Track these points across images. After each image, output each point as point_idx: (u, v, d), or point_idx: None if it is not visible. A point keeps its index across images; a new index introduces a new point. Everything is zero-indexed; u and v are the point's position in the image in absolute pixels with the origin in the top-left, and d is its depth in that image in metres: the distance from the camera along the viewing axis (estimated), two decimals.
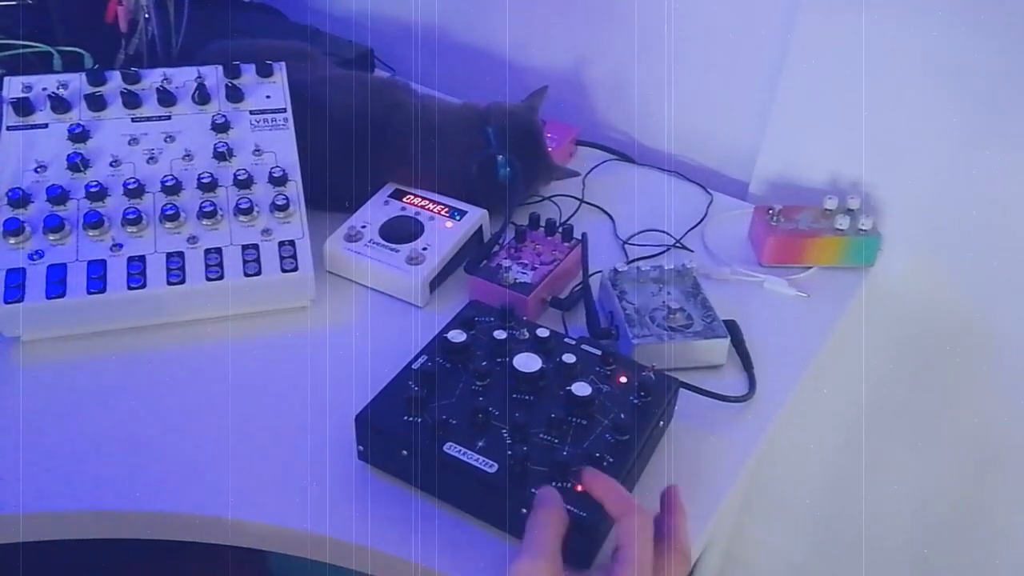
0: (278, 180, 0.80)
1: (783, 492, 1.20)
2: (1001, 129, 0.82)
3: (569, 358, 0.66)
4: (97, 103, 0.82)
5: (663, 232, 0.93)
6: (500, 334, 0.68)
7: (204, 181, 0.79)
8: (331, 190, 0.87)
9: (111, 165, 0.80)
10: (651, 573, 0.51)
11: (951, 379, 0.97)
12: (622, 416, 0.63)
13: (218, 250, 0.76)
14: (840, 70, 0.88)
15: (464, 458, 0.59)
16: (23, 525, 0.61)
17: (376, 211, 0.87)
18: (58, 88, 0.82)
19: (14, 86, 0.82)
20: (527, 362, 0.65)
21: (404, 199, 0.88)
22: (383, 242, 0.83)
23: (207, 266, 0.75)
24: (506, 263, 0.81)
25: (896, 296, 0.93)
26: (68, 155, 0.79)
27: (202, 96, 0.84)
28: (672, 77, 1.03)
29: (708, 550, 1.20)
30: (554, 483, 0.57)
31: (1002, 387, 0.94)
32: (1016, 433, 0.95)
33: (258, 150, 0.83)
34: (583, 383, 0.63)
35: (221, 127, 0.83)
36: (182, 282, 0.74)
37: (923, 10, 0.81)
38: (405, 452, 0.61)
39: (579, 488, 0.57)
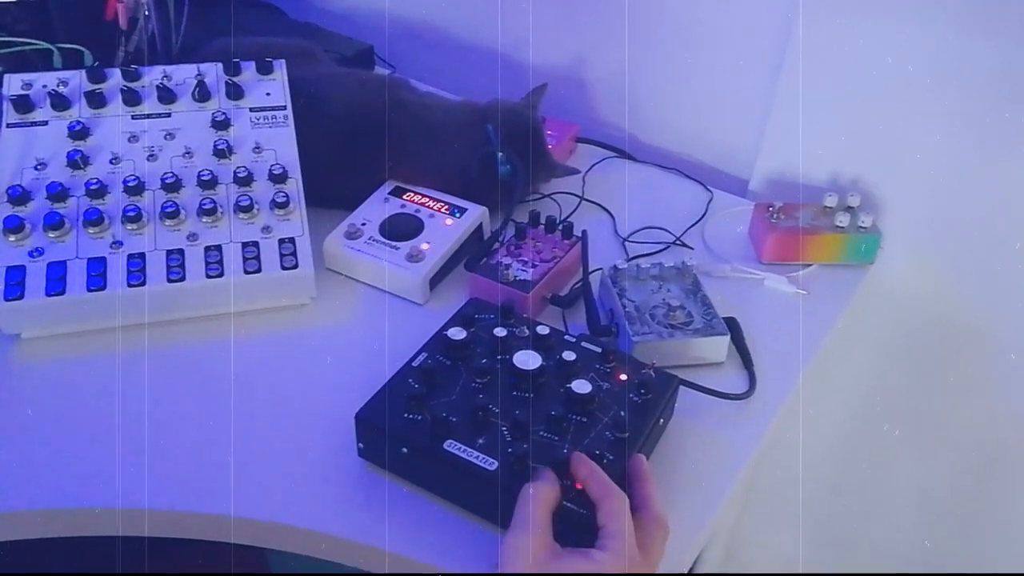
0: (278, 177, 0.80)
1: (783, 491, 1.20)
2: (1001, 128, 0.82)
3: (569, 355, 0.66)
4: (97, 100, 0.82)
5: (663, 229, 0.93)
6: (500, 331, 0.68)
7: (204, 178, 0.79)
8: (331, 187, 0.87)
9: (111, 162, 0.80)
10: (634, 546, 0.53)
11: (951, 377, 0.96)
12: (622, 414, 0.62)
13: (218, 247, 0.76)
14: (840, 68, 0.88)
15: (464, 455, 0.59)
16: (23, 523, 0.62)
17: (376, 208, 0.87)
18: (58, 85, 0.82)
19: (14, 83, 0.82)
20: (527, 359, 0.65)
21: (404, 196, 0.88)
22: (383, 239, 0.83)
23: (207, 263, 0.75)
24: (506, 260, 0.81)
25: (896, 294, 0.93)
26: (68, 152, 0.79)
27: (202, 93, 0.84)
28: (672, 74, 1.03)
29: (708, 549, 1.20)
30: None
31: (1002, 386, 0.94)
32: (1016, 433, 0.95)
33: (258, 147, 0.83)
34: (583, 380, 0.63)
35: (221, 124, 0.83)
36: (182, 279, 0.74)
37: (923, 9, 0.81)
38: (405, 449, 0.61)
39: (579, 486, 0.57)
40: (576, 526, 0.55)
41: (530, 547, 0.52)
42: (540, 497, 0.55)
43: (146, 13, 0.95)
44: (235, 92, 0.85)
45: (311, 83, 0.88)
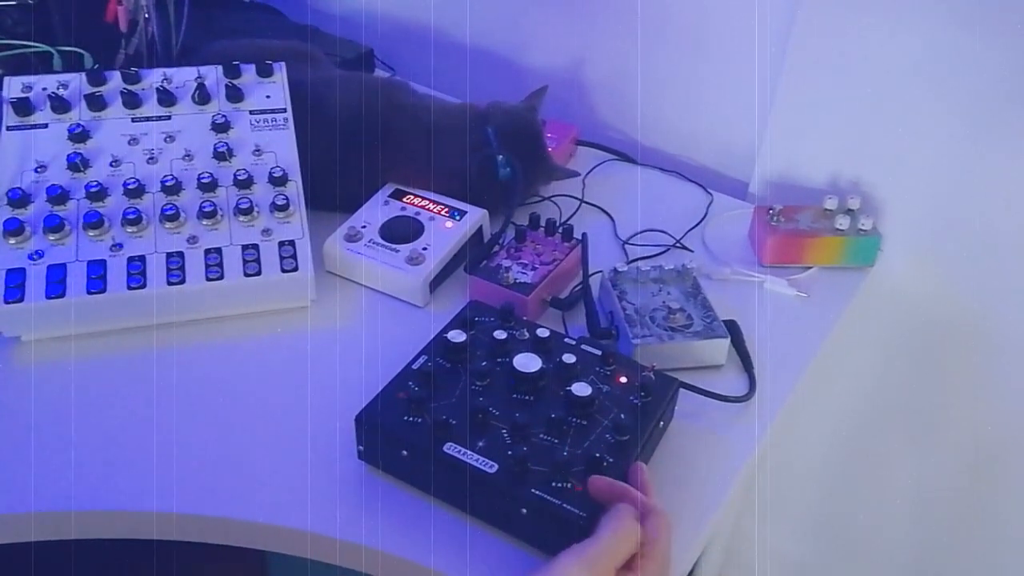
0: (278, 180, 0.80)
1: (783, 492, 1.20)
2: (1001, 129, 0.82)
3: (569, 358, 0.66)
4: (97, 103, 0.82)
5: (663, 232, 0.93)
6: (500, 334, 0.68)
7: (204, 181, 0.79)
8: (331, 190, 0.87)
9: (111, 165, 0.80)
10: (668, 566, 0.52)
11: (951, 379, 0.97)
12: (622, 416, 0.63)
13: (218, 250, 0.76)
14: (840, 70, 0.88)
15: (464, 458, 0.59)
16: (24, 525, 0.61)
17: (376, 211, 0.87)
18: (58, 88, 0.82)
19: (14, 86, 0.82)
20: (527, 362, 0.65)
21: (404, 199, 0.88)
22: (383, 242, 0.83)
23: (207, 266, 0.75)
24: (506, 263, 0.81)
25: (896, 296, 0.93)
26: (68, 155, 0.79)
27: (202, 96, 0.84)
28: (672, 77, 1.03)
29: (708, 549, 1.20)
30: (554, 483, 0.58)
31: (1002, 387, 0.94)
32: (1016, 433, 0.95)
33: (258, 150, 0.83)
34: (583, 383, 0.63)
35: (221, 127, 0.83)
36: (182, 282, 0.74)
37: (923, 10, 0.81)
38: (405, 452, 0.61)
39: (578, 488, 0.57)
40: (575, 529, 0.55)
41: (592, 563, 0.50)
42: (627, 538, 0.53)
43: (146, 16, 0.96)
44: (235, 95, 0.85)
45: (311, 86, 0.88)
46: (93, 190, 0.77)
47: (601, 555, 0.51)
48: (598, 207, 0.96)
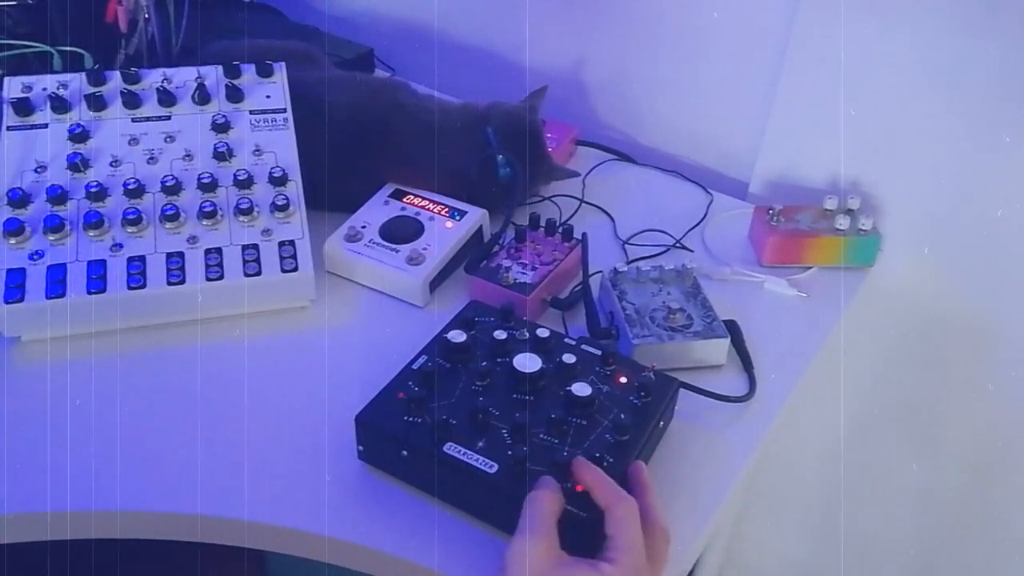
0: (278, 180, 0.80)
1: (783, 492, 1.20)
2: (1001, 129, 0.82)
3: (569, 358, 0.66)
4: (97, 103, 0.82)
5: (663, 232, 0.93)
6: (500, 334, 0.68)
7: (204, 181, 0.79)
8: (331, 190, 0.87)
9: (111, 165, 0.80)
10: (644, 556, 0.52)
11: (951, 379, 0.97)
12: (622, 416, 0.62)
13: (218, 250, 0.76)
14: (840, 70, 0.88)
15: (464, 458, 0.59)
16: (23, 525, 0.62)
17: (376, 211, 0.87)
18: (58, 88, 0.82)
19: (14, 86, 0.82)
20: (527, 362, 0.65)
21: (404, 199, 0.88)
22: (383, 242, 0.83)
23: (207, 266, 0.75)
24: (506, 263, 0.81)
25: (896, 296, 0.93)
26: (68, 155, 0.79)
27: (202, 96, 0.84)
28: (672, 77, 1.03)
29: (708, 550, 1.20)
30: None
31: (1002, 387, 0.94)
32: (1016, 433, 0.95)
33: (258, 150, 0.83)
34: (583, 383, 0.63)
35: (221, 127, 0.83)
36: (182, 282, 0.74)
37: (923, 10, 0.81)
38: (405, 452, 0.61)
39: (579, 488, 0.57)
40: (577, 530, 0.55)
41: (534, 554, 0.51)
42: (544, 504, 0.54)
43: (146, 16, 0.96)
44: (235, 95, 0.85)
45: (311, 86, 0.88)
46: (93, 190, 0.77)
47: (535, 529, 0.52)
48: (598, 207, 0.96)
